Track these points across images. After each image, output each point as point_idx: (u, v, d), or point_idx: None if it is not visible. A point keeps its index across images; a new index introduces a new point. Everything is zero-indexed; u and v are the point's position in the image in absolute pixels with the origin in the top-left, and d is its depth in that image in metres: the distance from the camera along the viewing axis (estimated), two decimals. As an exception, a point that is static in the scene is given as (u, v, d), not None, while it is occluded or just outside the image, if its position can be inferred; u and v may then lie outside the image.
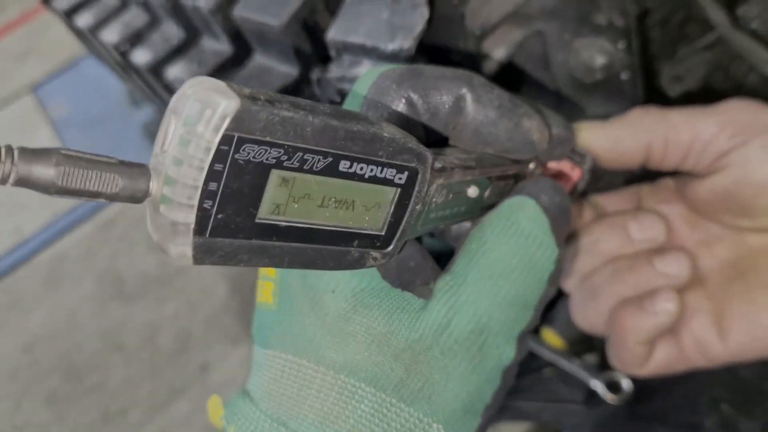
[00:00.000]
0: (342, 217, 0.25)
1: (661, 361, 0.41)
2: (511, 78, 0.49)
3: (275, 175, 0.22)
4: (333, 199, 0.25)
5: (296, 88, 0.49)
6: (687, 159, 0.39)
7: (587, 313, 0.43)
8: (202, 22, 0.57)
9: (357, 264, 0.27)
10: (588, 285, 0.43)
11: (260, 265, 0.24)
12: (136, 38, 0.69)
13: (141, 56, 0.66)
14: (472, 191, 0.32)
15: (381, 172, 0.25)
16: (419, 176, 0.27)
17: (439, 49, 0.44)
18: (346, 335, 0.29)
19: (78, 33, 0.94)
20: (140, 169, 0.21)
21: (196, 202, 0.21)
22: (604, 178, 0.44)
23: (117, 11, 0.77)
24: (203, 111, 0.20)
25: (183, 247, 0.21)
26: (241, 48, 0.55)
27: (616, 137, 0.40)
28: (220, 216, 0.22)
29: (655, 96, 0.49)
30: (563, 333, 0.63)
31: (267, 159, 0.22)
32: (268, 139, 0.21)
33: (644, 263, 0.41)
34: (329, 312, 0.30)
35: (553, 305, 0.64)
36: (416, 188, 0.27)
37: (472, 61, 0.45)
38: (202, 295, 1.63)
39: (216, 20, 0.53)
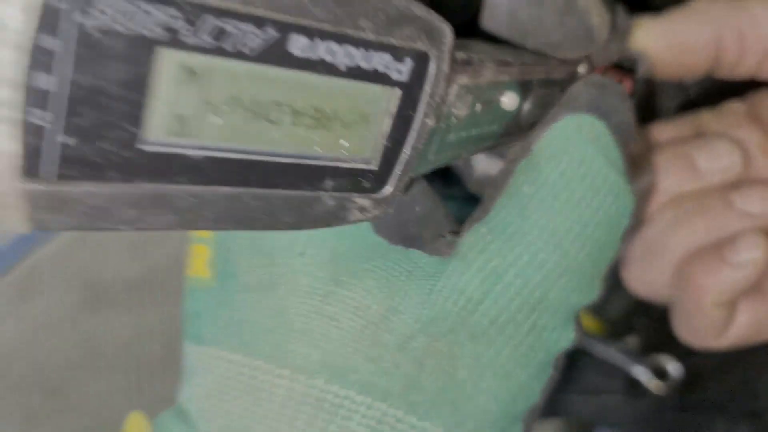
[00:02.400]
0: (302, 139, 0.16)
1: (745, 326, 0.33)
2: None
3: (169, 59, 0.12)
4: (286, 108, 0.15)
5: None
6: None
7: (646, 274, 0.35)
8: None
9: (333, 219, 0.18)
10: (644, 236, 0.34)
11: (161, 227, 0.14)
12: None
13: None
14: (509, 99, 0.22)
15: (366, 58, 0.15)
16: (431, 67, 0.17)
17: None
18: (324, 321, 0.21)
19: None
20: None
21: (19, 115, 0.11)
22: (654, 101, 0.36)
23: None
24: None
25: (4, 199, 0.12)
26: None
27: (675, 32, 0.31)
28: (68, 141, 0.12)
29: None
30: (598, 311, 0.55)
31: (150, 28, 0.12)
32: None
33: (718, 202, 0.33)
34: (297, 287, 0.21)
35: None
36: (427, 89, 0.17)
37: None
38: (190, 298, 1.57)
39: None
